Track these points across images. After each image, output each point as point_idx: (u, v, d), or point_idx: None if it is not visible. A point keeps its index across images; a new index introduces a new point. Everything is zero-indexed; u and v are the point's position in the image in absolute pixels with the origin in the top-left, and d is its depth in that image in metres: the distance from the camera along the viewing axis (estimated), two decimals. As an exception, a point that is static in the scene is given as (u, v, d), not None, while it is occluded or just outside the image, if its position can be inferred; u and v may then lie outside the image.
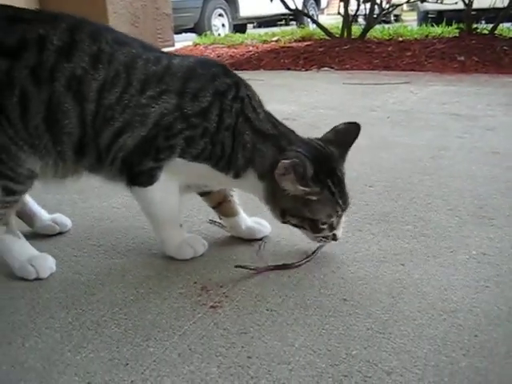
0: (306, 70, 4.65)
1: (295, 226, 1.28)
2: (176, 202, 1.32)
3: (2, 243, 1.28)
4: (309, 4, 11.26)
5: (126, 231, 1.51)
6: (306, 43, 5.78)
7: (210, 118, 1.23)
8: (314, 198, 1.21)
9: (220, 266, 1.30)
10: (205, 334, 1.05)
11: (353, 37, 5.64)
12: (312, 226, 1.25)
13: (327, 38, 5.85)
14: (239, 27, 10.27)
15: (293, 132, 1.31)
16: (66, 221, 1.53)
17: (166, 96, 1.22)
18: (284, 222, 1.28)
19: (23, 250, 1.29)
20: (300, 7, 6.29)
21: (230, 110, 1.24)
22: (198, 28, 9.18)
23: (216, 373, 0.94)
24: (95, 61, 1.21)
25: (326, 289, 1.19)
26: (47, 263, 1.30)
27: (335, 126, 1.36)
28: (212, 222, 1.53)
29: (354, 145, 2.18)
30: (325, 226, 1.25)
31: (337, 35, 5.77)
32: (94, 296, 1.20)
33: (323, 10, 13.12)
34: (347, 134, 1.34)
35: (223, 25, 9.79)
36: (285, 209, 1.25)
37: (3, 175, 1.22)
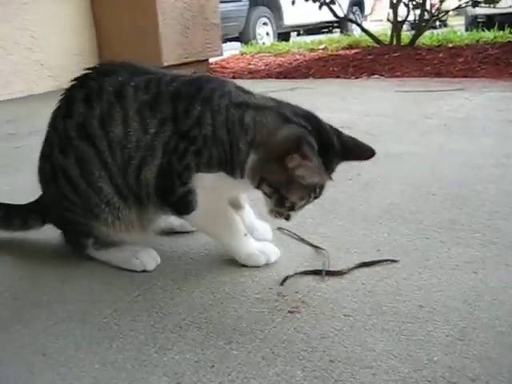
0: (356, 77, 4.65)
1: (264, 193, 1.27)
2: (228, 215, 1.35)
3: (107, 255, 1.43)
4: (352, 11, 11.24)
5: (197, 237, 1.54)
6: (354, 51, 5.78)
7: (206, 123, 1.26)
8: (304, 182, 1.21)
9: (292, 272, 1.32)
10: (286, 338, 1.07)
11: (401, 44, 5.60)
12: (279, 201, 1.26)
13: (375, 45, 5.83)
14: (283, 35, 10.34)
15: (298, 107, 1.31)
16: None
17: (164, 126, 1.29)
18: (257, 188, 1.27)
19: (127, 249, 1.41)
20: (342, 14, 6.27)
21: (219, 109, 1.27)
22: (243, 37, 9.29)
23: (301, 376, 0.96)
24: (88, 100, 1.33)
25: (400, 295, 1.20)
26: (152, 256, 1.40)
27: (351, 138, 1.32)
28: (280, 229, 1.56)
29: (413, 152, 2.19)
30: (288, 204, 1.27)
31: (385, 42, 5.74)
32: (172, 300, 1.24)
33: (367, 16, 13.08)
34: (359, 149, 1.31)
35: (267, 33, 9.87)
36: (265, 178, 1.24)
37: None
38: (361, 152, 1.30)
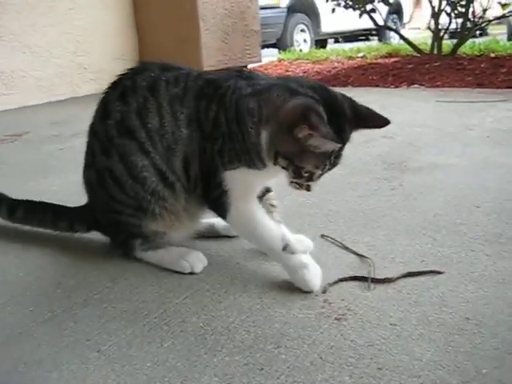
0: (396, 87, 4.63)
1: (282, 167, 1.28)
2: (264, 221, 1.35)
3: (156, 256, 1.47)
4: (391, 19, 11.17)
5: (242, 242, 1.57)
6: (393, 59, 5.76)
7: (221, 122, 1.31)
8: (317, 150, 1.21)
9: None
10: (333, 344, 1.09)
11: (442, 53, 5.56)
12: (295, 171, 1.27)
13: (415, 54, 5.80)
14: (320, 42, 10.33)
15: (308, 79, 1.35)
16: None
17: (192, 126, 1.35)
18: (274, 164, 1.29)
19: (175, 250, 1.46)
20: (381, 22, 6.25)
21: (230, 104, 1.31)
22: (280, 43, 9.31)
23: (349, 382, 0.98)
24: (123, 97, 1.39)
25: (446, 307, 1.21)
26: (199, 258, 1.44)
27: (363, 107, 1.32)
28: (324, 236, 1.57)
29: (457, 164, 2.17)
30: (306, 175, 1.27)
31: (425, 51, 5.71)
32: (220, 303, 1.27)
33: (405, 24, 12.98)
34: (373, 117, 1.30)
35: (305, 40, 9.87)
36: (279, 151, 1.26)
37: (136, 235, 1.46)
38: (374, 119, 1.30)
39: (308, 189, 1.32)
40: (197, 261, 1.43)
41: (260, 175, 1.34)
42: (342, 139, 1.25)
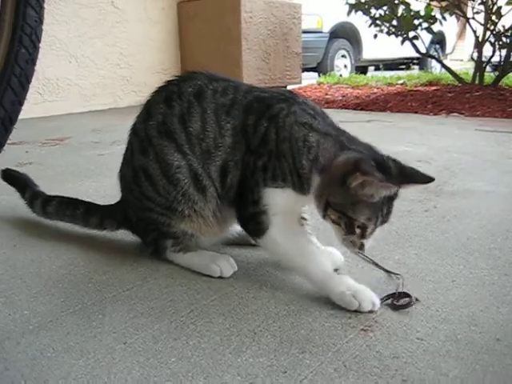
0: (435, 114, 4.61)
1: (332, 221, 1.27)
2: (305, 244, 1.35)
3: (186, 258, 1.49)
4: (433, 49, 11.14)
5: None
6: (433, 87, 5.74)
7: (270, 139, 1.32)
8: (370, 200, 1.21)
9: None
10: (358, 353, 1.08)
11: (484, 83, 5.51)
12: (347, 225, 1.25)
13: (456, 83, 5.76)
14: (360, 69, 10.36)
15: (355, 137, 1.34)
16: None
17: (237, 137, 1.36)
18: (323, 217, 1.29)
19: (206, 254, 1.47)
20: (424, 50, 6.23)
21: (284, 125, 1.31)
22: (321, 68, 9.37)
23: (373, 391, 0.97)
24: (168, 101, 1.41)
25: (476, 326, 1.19)
26: (230, 263, 1.45)
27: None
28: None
29: (493, 190, 2.15)
30: (358, 231, 1.26)
31: (467, 81, 5.67)
32: (247, 308, 1.27)
33: (447, 55, 12.93)
34: (417, 174, 1.29)
35: (345, 66, 9.91)
36: (331, 202, 1.26)
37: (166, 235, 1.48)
38: (419, 177, 1.28)
39: (361, 247, 1.29)
40: (227, 265, 1.43)
41: (302, 200, 1.35)
42: (391, 195, 1.25)
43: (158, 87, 1.50)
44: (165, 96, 1.44)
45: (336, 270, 1.43)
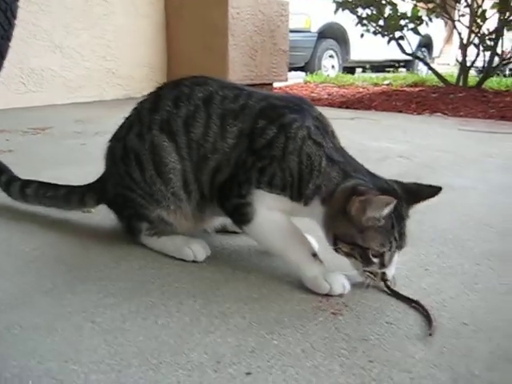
0: (418, 113, 4.64)
1: (346, 254, 1.24)
2: (289, 231, 1.33)
3: (160, 243, 1.48)
4: (420, 52, 11.20)
5: (247, 238, 1.57)
6: (418, 88, 5.78)
7: (276, 146, 1.29)
8: (377, 223, 1.18)
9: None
10: (327, 335, 1.08)
11: (468, 85, 5.56)
12: (362, 255, 1.21)
13: (440, 84, 5.81)
14: (348, 70, 10.39)
15: (359, 163, 1.32)
16: None
17: (241, 139, 1.34)
18: (335, 250, 1.25)
19: (180, 238, 1.46)
20: (410, 51, 6.26)
21: (295, 137, 1.29)
22: (308, 67, 9.38)
23: (339, 370, 0.97)
24: (177, 100, 1.40)
25: (445, 312, 1.20)
26: (203, 247, 1.44)
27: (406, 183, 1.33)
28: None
29: (473, 187, 2.16)
30: (376, 260, 1.21)
31: (451, 83, 5.72)
32: (219, 290, 1.27)
33: (434, 59, 13.01)
34: (424, 190, 1.32)
35: (333, 66, 9.93)
36: (338, 234, 1.23)
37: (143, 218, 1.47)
38: (425, 191, 1.30)
39: (384, 278, 1.25)
40: (200, 249, 1.43)
41: (298, 208, 1.31)
42: (401, 215, 1.23)
43: (172, 81, 1.51)
44: (175, 95, 1.42)
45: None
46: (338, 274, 1.27)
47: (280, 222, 1.33)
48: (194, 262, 1.41)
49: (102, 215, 1.68)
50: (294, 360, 1.00)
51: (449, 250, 1.57)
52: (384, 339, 1.08)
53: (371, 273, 1.24)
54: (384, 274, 1.25)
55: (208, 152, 1.37)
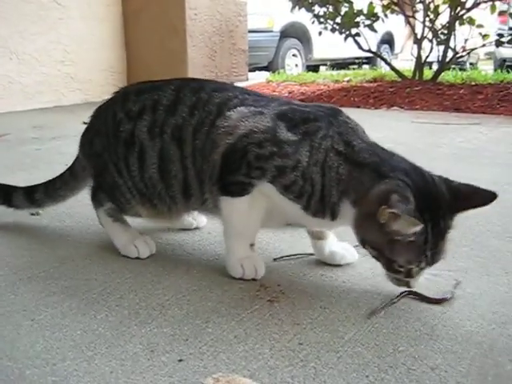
0: (376, 108, 4.72)
1: (373, 257, 1.20)
2: (257, 221, 1.32)
3: (111, 227, 1.49)
4: (382, 49, 11.35)
5: (193, 234, 1.61)
6: (376, 83, 5.86)
7: (301, 152, 1.23)
8: (407, 238, 1.10)
9: (277, 268, 1.38)
10: (260, 322, 1.12)
11: (424, 79, 5.67)
12: (387, 264, 1.17)
13: (398, 79, 5.91)
14: (312, 68, 10.47)
15: (400, 160, 1.24)
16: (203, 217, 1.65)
17: (259, 117, 1.28)
18: (364, 247, 1.21)
19: (128, 233, 1.48)
20: (368, 48, 6.35)
21: (319, 147, 1.22)
22: (272, 67, 9.43)
23: (268, 353, 1.01)
24: (193, 108, 1.36)
25: (378, 294, 1.24)
26: (149, 245, 1.46)
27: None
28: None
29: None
30: (401, 269, 1.15)
31: (408, 77, 5.82)
32: (160, 284, 1.30)
33: (397, 55, 13.18)
34: (477, 194, 1.19)
35: (296, 65, 10.00)
36: (366, 239, 1.19)
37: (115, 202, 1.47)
38: (478, 197, 1.18)
39: (408, 285, 1.19)
40: (145, 247, 1.45)
41: (307, 218, 1.27)
42: (440, 228, 1.13)
43: (193, 79, 1.51)
44: (194, 102, 1.36)
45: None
46: (257, 259, 1.33)
47: (256, 210, 1.30)
48: (137, 258, 1.44)
49: (49, 218, 1.69)
50: (226, 346, 1.03)
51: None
52: (316, 323, 1.12)
53: (397, 278, 1.19)
54: (409, 281, 1.18)
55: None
